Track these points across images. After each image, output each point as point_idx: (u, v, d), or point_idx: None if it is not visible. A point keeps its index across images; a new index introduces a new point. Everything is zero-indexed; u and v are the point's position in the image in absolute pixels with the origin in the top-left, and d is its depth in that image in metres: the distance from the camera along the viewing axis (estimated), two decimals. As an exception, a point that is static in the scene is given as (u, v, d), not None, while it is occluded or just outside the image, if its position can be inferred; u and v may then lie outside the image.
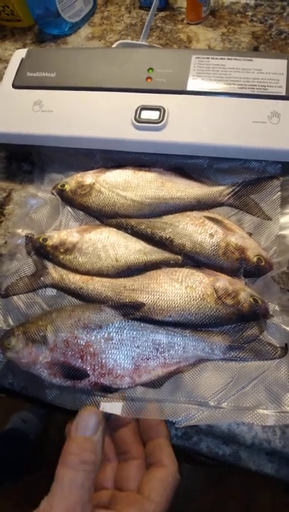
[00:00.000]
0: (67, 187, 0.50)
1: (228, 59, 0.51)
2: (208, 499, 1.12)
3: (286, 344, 0.40)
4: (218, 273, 0.43)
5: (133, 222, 0.47)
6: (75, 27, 0.74)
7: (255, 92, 0.48)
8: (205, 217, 0.46)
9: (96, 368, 0.40)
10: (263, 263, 0.43)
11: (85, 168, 0.52)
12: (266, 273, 0.43)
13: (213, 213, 0.48)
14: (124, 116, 0.49)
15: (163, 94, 0.50)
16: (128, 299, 0.42)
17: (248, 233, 0.46)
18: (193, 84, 0.50)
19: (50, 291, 0.45)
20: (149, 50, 0.60)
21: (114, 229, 0.48)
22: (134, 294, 0.42)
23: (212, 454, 0.40)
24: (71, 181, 0.51)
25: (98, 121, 0.50)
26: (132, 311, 0.41)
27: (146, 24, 0.62)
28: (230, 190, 0.48)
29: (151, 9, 0.61)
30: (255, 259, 0.43)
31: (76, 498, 0.29)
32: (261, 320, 0.41)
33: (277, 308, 0.41)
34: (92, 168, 0.52)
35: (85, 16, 0.75)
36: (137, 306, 0.41)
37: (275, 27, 0.69)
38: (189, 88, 0.50)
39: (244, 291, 0.42)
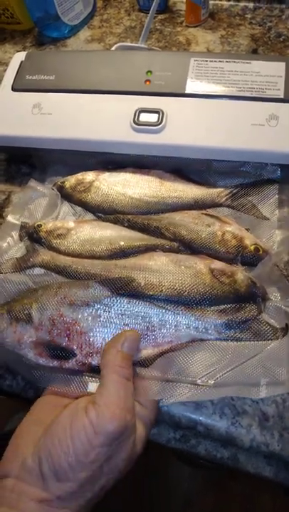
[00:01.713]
0: (67, 183, 0.51)
1: (226, 62, 0.51)
2: (208, 502, 1.11)
3: (287, 324, 0.39)
4: (214, 259, 0.43)
5: (130, 217, 0.48)
6: (74, 30, 0.74)
7: (254, 95, 0.49)
8: (202, 213, 0.47)
9: (84, 346, 0.38)
10: (260, 251, 0.42)
11: (86, 170, 0.53)
12: (262, 260, 0.42)
13: (211, 211, 0.48)
14: (123, 119, 0.49)
15: (162, 97, 0.50)
16: (118, 274, 0.41)
17: (245, 228, 0.45)
18: (192, 87, 0.50)
19: (38, 271, 0.45)
20: (148, 52, 0.61)
21: (110, 224, 0.48)
22: (124, 271, 0.41)
23: (210, 456, 0.40)
24: (71, 179, 0.51)
25: (97, 123, 0.50)
26: (122, 286, 0.40)
27: (145, 27, 0.62)
28: (228, 191, 0.48)
29: (151, 12, 0.62)
30: (252, 247, 0.42)
31: (129, 401, 0.33)
32: (260, 301, 0.39)
33: (276, 292, 0.41)
34: (92, 170, 0.53)
35: (85, 18, 0.75)
36: (127, 281, 0.40)
37: (273, 30, 0.69)
38: (188, 91, 0.50)
39: (241, 273, 0.41)
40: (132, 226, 0.47)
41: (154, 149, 0.49)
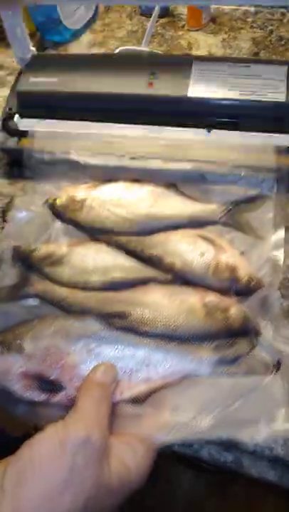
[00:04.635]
0: (58, 201, 0.49)
1: (228, 65, 0.51)
2: (210, 506, 1.11)
3: (278, 360, 0.38)
4: (208, 291, 0.42)
5: (123, 239, 0.46)
6: (76, 34, 0.74)
7: (255, 98, 0.49)
8: (197, 235, 0.45)
9: (74, 380, 0.37)
10: (253, 282, 0.42)
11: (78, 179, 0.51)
12: (256, 291, 0.42)
13: (205, 232, 0.46)
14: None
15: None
16: (113, 308, 0.41)
17: (239, 252, 0.45)
18: (194, 90, 0.50)
19: (33, 302, 0.44)
20: (151, 56, 0.61)
21: (104, 245, 0.46)
22: (118, 305, 0.41)
23: (214, 460, 0.40)
24: (62, 196, 0.49)
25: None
26: (116, 321, 0.40)
27: (147, 30, 0.63)
28: (224, 208, 0.47)
29: (153, 16, 0.62)
30: (245, 279, 0.42)
31: (100, 416, 0.33)
32: (252, 336, 0.39)
33: (269, 325, 0.40)
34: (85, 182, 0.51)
35: (87, 23, 0.75)
36: (122, 315, 0.40)
37: (275, 33, 0.70)
38: (190, 94, 0.50)
39: (235, 307, 0.40)
40: (126, 250, 0.46)
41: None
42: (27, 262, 0.46)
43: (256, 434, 0.35)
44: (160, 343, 0.39)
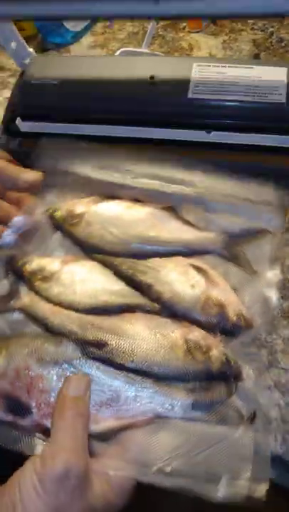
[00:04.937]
0: (58, 213, 0.48)
1: (229, 66, 0.52)
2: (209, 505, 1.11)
3: (254, 412, 0.36)
4: (193, 326, 0.41)
5: (117, 261, 0.45)
6: (77, 36, 0.75)
7: (256, 100, 0.49)
8: (190, 265, 0.44)
9: (42, 406, 0.36)
10: (242, 323, 0.40)
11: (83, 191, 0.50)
12: (244, 333, 0.40)
13: (200, 261, 0.45)
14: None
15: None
16: (92, 336, 0.39)
17: (231, 287, 0.43)
18: (194, 92, 0.50)
19: (17, 315, 0.43)
20: (151, 57, 0.61)
21: (96, 264, 0.45)
22: (99, 333, 0.40)
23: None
24: (63, 207, 0.48)
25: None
26: (93, 350, 0.38)
27: (148, 32, 0.63)
28: (221, 238, 0.46)
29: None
30: (234, 318, 0.40)
31: (77, 442, 0.32)
32: (232, 382, 0.37)
33: (251, 371, 0.38)
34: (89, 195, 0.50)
35: (88, 24, 0.76)
36: (99, 344, 0.38)
37: (275, 35, 0.70)
38: (190, 95, 0.50)
39: (217, 348, 0.38)
40: (117, 273, 0.44)
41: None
42: (18, 274, 0.45)
43: (216, 491, 0.33)
44: (134, 379, 0.37)
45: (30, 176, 0.46)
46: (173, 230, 0.46)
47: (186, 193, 0.47)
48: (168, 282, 0.43)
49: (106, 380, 0.37)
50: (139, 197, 0.49)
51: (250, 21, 0.73)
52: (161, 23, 0.74)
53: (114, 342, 0.38)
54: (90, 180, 0.49)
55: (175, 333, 0.39)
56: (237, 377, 0.37)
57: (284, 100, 0.48)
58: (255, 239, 0.46)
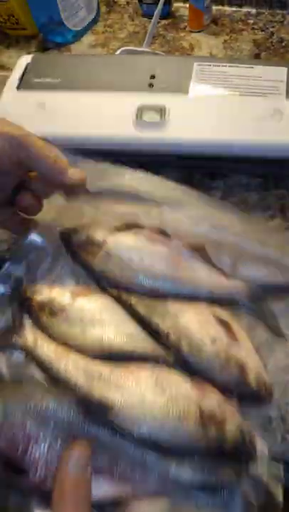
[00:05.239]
0: (74, 238, 0.43)
1: (229, 66, 0.52)
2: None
3: (266, 503, 0.33)
4: (209, 386, 0.36)
5: (133, 299, 0.40)
6: (78, 35, 0.75)
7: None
8: (212, 315, 0.40)
9: (40, 469, 0.33)
10: (262, 391, 0.36)
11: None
12: (263, 403, 0.36)
13: (223, 311, 0.40)
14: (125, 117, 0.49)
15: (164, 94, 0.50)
16: (98, 394, 0.35)
17: (255, 348, 0.38)
18: (195, 91, 0.50)
19: (18, 355, 0.39)
20: (152, 56, 0.61)
21: (110, 299, 0.41)
22: (106, 389, 0.36)
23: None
24: (82, 231, 0.43)
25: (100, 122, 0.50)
26: (97, 414, 0.35)
27: (148, 31, 0.63)
28: (248, 289, 0.41)
29: (154, 17, 0.62)
30: (254, 384, 0.36)
31: None
32: (243, 462, 0.33)
33: (266, 452, 0.34)
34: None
35: (88, 24, 0.76)
36: (104, 407, 0.35)
37: (276, 35, 0.70)
38: (191, 94, 0.50)
39: (233, 421, 0.34)
40: (132, 312, 0.40)
41: (157, 145, 0.49)
42: (25, 305, 0.40)
43: None
44: (138, 451, 0.34)
45: (77, 173, 0.40)
46: (198, 273, 0.42)
47: (216, 234, 0.43)
48: (187, 333, 0.38)
49: (106, 450, 0.34)
50: (163, 228, 0.44)
51: (251, 21, 0.73)
52: (162, 22, 0.74)
53: (120, 404, 0.35)
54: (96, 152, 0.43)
55: (188, 398, 0.35)
56: (250, 455, 0.34)
57: (284, 100, 0.49)
58: (286, 297, 0.41)
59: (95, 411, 0.35)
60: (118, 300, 0.41)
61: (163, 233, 0.43)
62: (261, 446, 0.34)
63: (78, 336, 0.39)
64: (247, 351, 0.38)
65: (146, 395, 0.35)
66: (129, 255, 0.42)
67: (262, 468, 0.34)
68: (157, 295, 0.41)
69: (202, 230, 0.43)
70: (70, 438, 0.33)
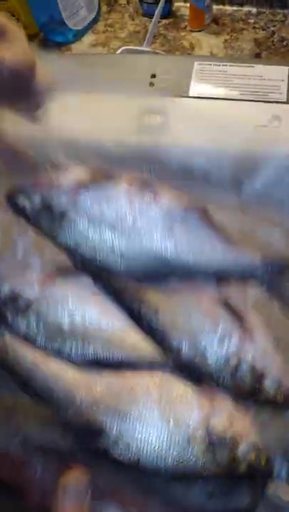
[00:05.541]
0: (28, 202, 0.31)
1: (230, 65, 0.52)
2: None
3: None
4: (218, 394, 0.30)
5: (117, 283, 0.31)
6: (78, 34, 0.75)
7: (257, 99, 0.49)
8: (221, 301, 0.32)
9: (34, 494, 0.30)
10: (281, 399, 0.30)
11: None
12: (283, 413, 0.31)
13: (234, 295, 0.32)
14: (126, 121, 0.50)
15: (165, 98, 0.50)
16: (87, 416, 0.29)
17: (273, 344, 0.31)
18: (195, 90, 0.50)
19: None
20: (152, 56, 0.61)
21: (90, 284, 0.32)
22: (94, 408, 0.29)
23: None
24: (35, 194, 0.32)
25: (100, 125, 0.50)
26: (88, 440, 0.30)
27: (149, 31, 0.63)
28: (269, 263, 0.32)
29: (155, 16, 0.62)
30: (273, 391, 0.30)
31: None
32: (258, 485, 0.29)
33: (285, 471, 0.29)
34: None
35: (89, 23, 0.76)
36: (95, 432, 0.29)
37: (277, 34, 0.70)
38: (191, 94, 0.50)
39: (247, 439, 0.29)
40: (119, 301, 0.31)
41: (157, 150, 0.50)
42: None
43: None
44: (141, 475, 0.30)
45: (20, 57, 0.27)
46: (200, 242, 0.31)
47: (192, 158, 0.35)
48: (188, 330, 0.31)
49: (104, 479, 0.30)
50: (147, 173, 0.33)
51: (252, 20, 0.73)
52: (163, 21, 0.74)
53: (113, 431, 0.29)
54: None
55: (194, 417, 0.29)
56: (267, 477, 0.29)
57: (285, 99, 0.48)
58: None
59: (84, 437, 0.29)
60: (98, 282, 0.32)
61: (146, 184, 0.32)
62: (280, 465, 0.29)
63: (56, 338, 0.31)
64: (263, 352, 0.31)
65: (143, 416, 0.29)
66: (102, 221, 0.31)
67: (282, 489, 0.30)
68: (144, 277, 0.31)
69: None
70: (62, 463, 0.29)
